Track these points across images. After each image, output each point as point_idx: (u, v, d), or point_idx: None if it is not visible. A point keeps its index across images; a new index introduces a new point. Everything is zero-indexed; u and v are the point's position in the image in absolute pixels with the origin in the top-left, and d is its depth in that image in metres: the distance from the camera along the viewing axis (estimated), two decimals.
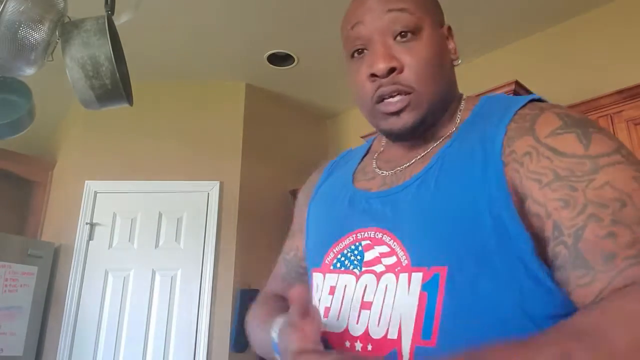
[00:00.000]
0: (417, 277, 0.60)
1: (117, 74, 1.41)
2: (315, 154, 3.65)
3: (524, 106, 0.66)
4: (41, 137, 3.78)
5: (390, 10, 0.68)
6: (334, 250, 0.72)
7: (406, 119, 0.68)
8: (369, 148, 0.86)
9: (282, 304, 0.82)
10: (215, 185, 3.13)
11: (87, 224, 3.06)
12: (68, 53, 1.41)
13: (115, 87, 1.43)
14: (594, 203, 0.53)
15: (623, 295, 0.47)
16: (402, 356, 0.57)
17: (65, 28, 1.44)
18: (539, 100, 0.68)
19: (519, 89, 2.39)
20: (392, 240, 0.65)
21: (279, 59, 3.18)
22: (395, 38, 0.68)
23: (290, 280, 0.88)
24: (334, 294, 0.68)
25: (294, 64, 3.19)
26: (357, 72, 0.70)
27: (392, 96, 0.67)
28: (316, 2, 2.62)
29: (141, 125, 3.28)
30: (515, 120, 0.63)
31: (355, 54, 0.71)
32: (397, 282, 0.62)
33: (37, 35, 1.38)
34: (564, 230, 0.53)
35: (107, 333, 2.86)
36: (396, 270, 0.63)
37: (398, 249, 0.64)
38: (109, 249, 3.04)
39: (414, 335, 0.58)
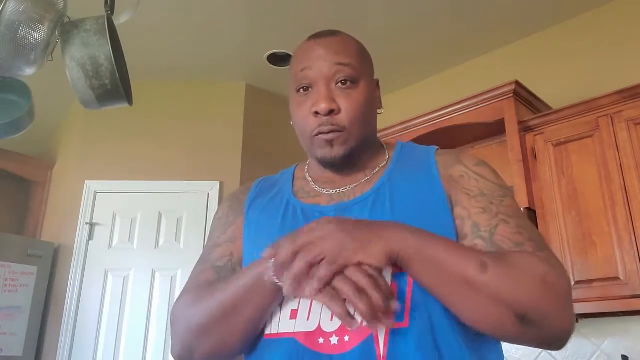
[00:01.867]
0: (388, 271, 0.70)
1: (117, 74, 1.41)
2: None
3: (437, 149, 0.89)
4: (41, 137, 3.78)
5: (337, 64, 0.83)
6: None
7: (337, 150, 0.83)
8: (293, 175, 0.96)
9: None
10: (215, 185, 3.13)
11: (86, 224, 3.06)
12: (68, 53, 1.41)
13: (115, 87, 1.43)
14: (503, 214, 0.75)
15: (524, 253, 0.69)
16: (378, 337, 0.67)
17: (65, 28, 1.44)
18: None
19: (519, 89, 2.39)
20: None
21: (279, 59, 3.18)
22: (336, 84, 0.83)
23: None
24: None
25: None
26: (302, 105, 0.85)
27: (328, 132, 0.82)
28: (316, 3, 2.62)
29: (141, 125, 3.28)
30: (439, 154, 0.87)
31: (301, 90, 0.85)
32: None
33: (37, 35, 1.38)
34: (482, 228, 0.73)
35: (107, 333, 2.86)
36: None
37: None
38: (108, 249, 3.04)
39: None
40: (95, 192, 3.15)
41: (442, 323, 0.68)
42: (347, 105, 0.82)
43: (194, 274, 0.87)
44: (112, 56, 1.40)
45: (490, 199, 0.77)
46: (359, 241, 0.64)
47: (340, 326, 0.68)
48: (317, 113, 0.82)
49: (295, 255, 0.64)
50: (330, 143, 0.82)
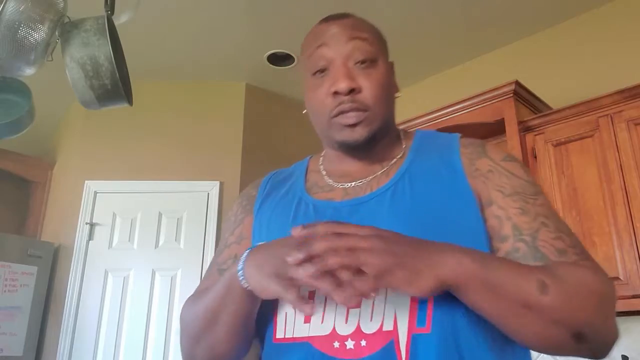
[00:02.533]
0: None
1: (117, 74, 1.41)
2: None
3: (460, 138, 0.84)
4: (41, 137, 3.78)
5: (354, 38, 0.78)
6: None
7: (360, 132, 0.77)
8: (307, 167, 0.91)
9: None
10: (215, 185, 3.13)
11: (86, 224, 3.06)
12: (68, 53, 1.41)
13: (115, 87, 1.43)
14: (542, 215, 0.71)
15: (574, 264, 0.67)
16: (399, 344, 0.63)
17: (65, 28, 1.44)
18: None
19: (519, 89, 2.39)
20: None
21: (279, 59, 3.18)
22: (355, 64, 0.78)
23: None
24: (314, 299, 0.69)
25: (294, 64, 3.19)
26: (319, 88, 0.79)
27: (350, 111, 0.76)
28: (316, 2, 2.62)
29: (141, 125, 3.28)
30: (463, 145, 0.81)
31: (318, 72, 0.80)
32: None
33: (37, 35, 1.38)
34: (523, 231, 0.69)
35: (107, 333, 2.86)
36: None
37: None
38: (108, 249, 3.04)
39: (409, 323, 0.64)
40: (95, 192, 3.15)
41: (466, 328, 0.65)
42: (369, 84, 0.77)
43: (203, 276, 0.86)
44: (112, 56, 1.40)
45: (524, 197, 0.73)
46: (408, 270, 0.58)
47: (356, 329, 0.65)
48: (336, 93, 0.76)
49: (330, 250, 0.58)
50: (351, 125, 0.76)
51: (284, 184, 0.89)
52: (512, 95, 2.37)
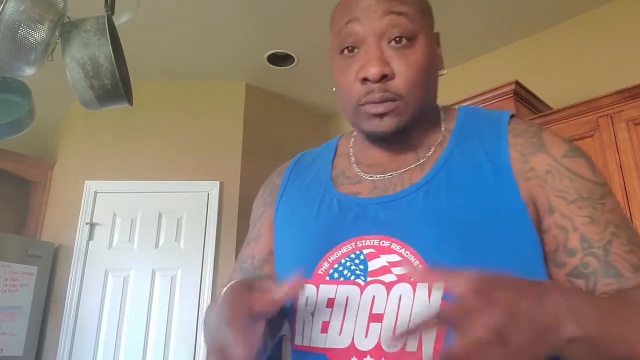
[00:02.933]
0: (438, 286, 0.58)
1: (117, 74, 1.41)
2: None
3: (510, 120, 0.71)
4: (41, 137, 3.78)
5: (390, 13, 0.67)
6: (329, 260, 0.67)
7: (389, 123, 0.68)
8: (336, 150, 0.82)
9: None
10: (215, 185, 3.13)
11: (87, 224, 3.06)
12: (68, 53, 1.41)
13: (115, 87, 1.43)
14: (611, 224, 0.62)
15: None
16: None
17: (65, 28, 1.44)
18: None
19: (519, 89, 2.39)
20: (402, 249, 0.63)
21: (279, 59, 3.18)
22: (389, 42, 0.67)
23: None
24: (334, 306, 0.64)
25: (294, 64, 3.19)
26: (346, 70, 0.69)
27: (380, 102, 0.67)
28: (316, 2, 2.62)
29: (141, 125, 3.28)
30: (514, 134, 0.68)
31: (345, 51, 0.70)
32: (414, 292, 0.60)
33: (37, 35, 1.38)
34: (594, 244, 0.60)
35: (107, 333, 2.86)
36: (412, 279, 0.61)
37: (412, 258, 0.62)
38: (108, 249, 3.04)
39: (435, 345, 0.57)
40: (95, 192, 3.15)
41: None
42: (404, 68, 0.66)
43: (233, 270, 0.82)
44: (112, 56, 1.40)
45: (592, 203, 0.63)
46: (536, 328, 0.46)
47: (376, 346, 0.59)
48: (365, 79, 0.66)
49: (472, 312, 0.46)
50: (380, 115, 0.67)
51: (311, 168, 0.81)
52: (512, 95, 2.37)
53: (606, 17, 2.65)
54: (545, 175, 0.64)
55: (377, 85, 0.66)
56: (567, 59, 2.73)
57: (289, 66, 3.23)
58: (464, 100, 2.51)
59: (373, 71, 0.65)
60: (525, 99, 2.44)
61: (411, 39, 0.67)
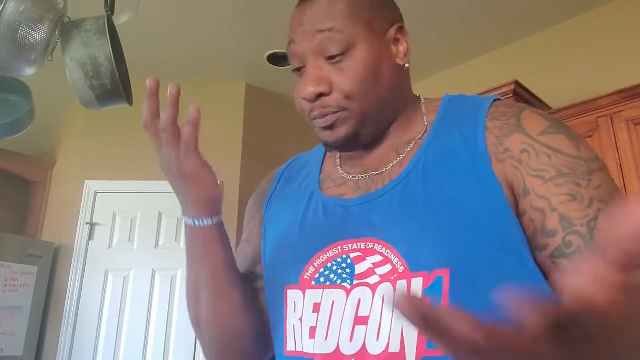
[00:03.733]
0: (417, 282, 0.59)
1: (117, 74, 1.41)
2: None
3: (491, 105, 0.68)
4: (41, 137, 3.77)
5: (319, 31, 0.67)
6: (315, 264, 0.67)
7: (338, 133, 0.68)
8: (325, 152, 0.82)
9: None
10: None
11: (87, 223, 3.06)
12: (68, 53, 1.41)
13: (115, 87, 1.43)
14: (598, 200, 0.56)
15: None
16: None
17: (65, 28, 1.44)
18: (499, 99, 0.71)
19: (519, 89, 2.39)
20: (384, 248, 0.63)
21: (279, 59, 3.18)
22: (326, 59, 0.68)
23: None
24: (320, 311, 0.64)
25: None
26: (296, 87, 0.71)
27: (320, 117, 0.68)
28: None
29: (141, 125, 3.27)
30: (492, 117, 0.66)
31: (295, 70, 0.72)
32: (394, 291, 0.60)
33: (37, 35, 1.38)
34: (575, 222, 0.56)
35: (107, 333, 2.86)
36: (392, 278, 0.60)
37: (392, 256, 0.62)
38: (108, 249, 3.04)
39: (418, 345, 0.56)
40: (95, 192, 3.15)
41: None
42: (341, 81, 0.67)
43: None
44: (112, 56, 1.40)
45: (574, 179, 0.58)
46: None
47: (361, 350, 0.59)
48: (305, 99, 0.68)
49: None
50: (328, 127, 0.68)
51: (300, 173, 0.82)
52: (512, 95, 2.37)
53: (606, 17, 2.65)
54: (520, 154, 0.61)
55: (315, 104, 0.67)
56: (567, 59, 2.73)
57: (289, 66, 3.22)
58: None
59: (307, 92, 0.67)
60: (525, 99, 2.44)
61: (346, 51, 0.67)
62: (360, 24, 0.69)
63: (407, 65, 0.72)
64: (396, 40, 0.72)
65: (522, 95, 2.42)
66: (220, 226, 0.72)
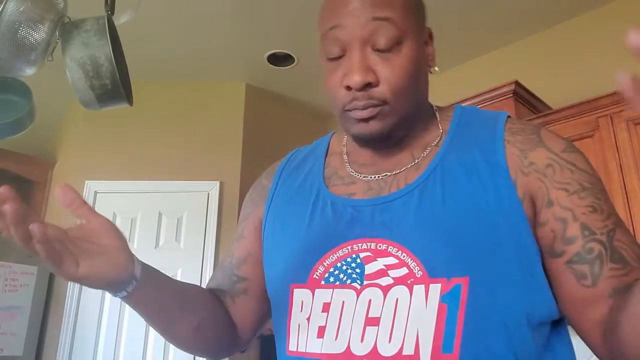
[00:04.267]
0: (436, 288, 0.59)
1: (117, 74, 1.41)
2: None
3: (506, 120, 0.71)
4: (41, 137, 3.77)
5: (375, 19, 0.65)
6: (324, 264, 0.67)
7: (374, 126, 0.67)
8: (328, 148, 0.81)
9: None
10: (215, 185, 3.13)
11: None
12: (68, 53, 1.41)
13: (115, 87, 1.43)
14: (614, 214, 0.62)
15: None
16: None
17: (65, 28, 1.44)
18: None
19: (519, 89, 2.39)
20: (399, 251, 0.62)
21: (279, 59, 3.18)
22: (374, 49, 0.66)
23: (221, 284, 0.83)
24: (329, 311, 0.64)
25: (294, 64, 3.19)
26: (332, 74, 0.68)
27: (363, 108, 0.66)
28: (316, 2, 2.62)
29: (141, 125, 3.28)
30: (511, 132, 0.68)
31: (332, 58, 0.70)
32: (411, 295, 0.59)
33: (37, 35, 1.38)
34: (596, 231, 0.60)
35: (107, 333, 2.86)
36: (408, 282, 0.60)
37: (409, 260, 0.61)
38: None
39: (433, 349, 0.57)
40: (96, 192, 3.15)
41: (503, 355, 0.57)
42: (389, 74, 0.65)
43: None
44: (112, 56, 1.40)
45: (594, 193, 0.62)
46: None
47: (372, 350, 0.59)
48: (349, 87, 0.66)
49: None
50: (365, 119, 0.67)
51: (302, 168, 0.80)
52: (511, 95, 2.37)
53: (606, 17, 2.65)
54: (545, 169, 0.64)
55: (360, 93, 0.65)
56: (567, 59, 2.73)
57: (289, 66, 3.23)
58: (464, 101, 2.51)
59: (356, 79, 0.64)
60: (525, 99, 2.44)
61: (396, 44, 0.66)
62: (412, 18, 0.68)
63: (436, 68, 0.74)
64: (428, 43, 0.73)
65: (522, 95, 2.42)
66: (143, 282, 0.69)
